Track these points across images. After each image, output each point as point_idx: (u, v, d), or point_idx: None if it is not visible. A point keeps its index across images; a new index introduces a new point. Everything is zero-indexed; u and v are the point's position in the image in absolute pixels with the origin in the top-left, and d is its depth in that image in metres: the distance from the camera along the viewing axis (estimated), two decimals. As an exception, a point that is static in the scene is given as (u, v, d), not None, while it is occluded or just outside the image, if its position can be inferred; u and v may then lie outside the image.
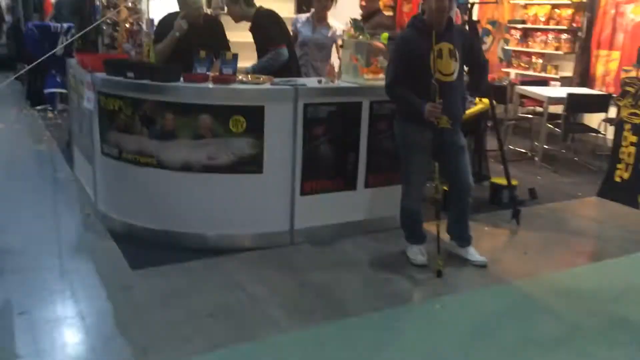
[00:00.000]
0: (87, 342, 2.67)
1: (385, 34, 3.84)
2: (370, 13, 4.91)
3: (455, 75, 3.31)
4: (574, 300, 3.26)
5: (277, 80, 3.77)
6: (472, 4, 4.31)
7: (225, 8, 4.85)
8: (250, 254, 3.63)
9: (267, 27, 4.31)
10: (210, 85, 3.55)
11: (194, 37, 4.22)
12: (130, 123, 3.59)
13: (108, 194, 3.93)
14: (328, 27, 4.86)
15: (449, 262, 3.59)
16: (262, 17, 4.40)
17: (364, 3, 4.93)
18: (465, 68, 3.50)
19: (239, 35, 4.86)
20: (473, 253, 3.67)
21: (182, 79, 3.60)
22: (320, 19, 4.87)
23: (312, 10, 4.95)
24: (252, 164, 3.58)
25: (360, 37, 3.90)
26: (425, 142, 3.38)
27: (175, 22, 4.23)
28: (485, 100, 4.45)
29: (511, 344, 2.79)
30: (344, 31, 4.40)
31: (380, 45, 3.82)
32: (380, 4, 9.03)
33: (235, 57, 3.76)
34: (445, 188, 3.83)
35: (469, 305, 3.18)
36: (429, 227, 3.70)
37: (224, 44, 4.45)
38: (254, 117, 3.51)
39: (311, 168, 3.73)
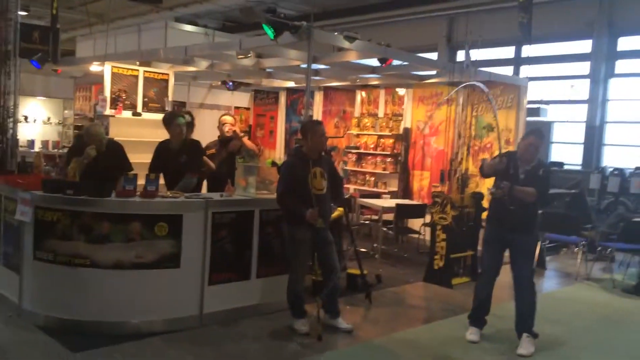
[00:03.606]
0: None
1: (270, 160, 5.16)
2: (227, 139, 6.14)
3: (325, 190, 4.68)
4: (415, 349, 4.59)
5: (187, 194, 4.83)
6: (327, 138, 5.85)
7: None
8: (171, 335, 4.44)
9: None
10: (138, 199, 4.50)
11: (100, 160, 5.20)
12: (68, 231, 4.34)
13: (38, 294, 4.50)
14: None
15: (326, 330, 4.72)
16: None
17: (228, 131, 6.14)
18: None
19: (139, 157, 5.87)
20: (342, 322, 4.87)
21: (113, 194, 4.50)
22: None
23: None
24: (171, 260, 4.50)
25: (249, 163, 5.17)
26: (306, 239, 4.62)
27: (85, 150, 5.18)
28: (341, 209, 5.90)
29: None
30: None
31: (266, 169, 5.12)
32: (237, 128, 10.60)
33: (135, 176, 4.71)
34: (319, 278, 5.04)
35: (346, 358, 4.33)
36: (309, 307, 4.85)
37: (126, 164, 5.44)
38: (175, 224, 4.50)
39: (217, 263, 4.75)
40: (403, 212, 7.86)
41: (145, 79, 8.75)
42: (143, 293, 4.45)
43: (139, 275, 4.41)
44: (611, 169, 11.06)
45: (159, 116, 8.92)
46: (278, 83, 10.40)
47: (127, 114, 8.45)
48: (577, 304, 6.25)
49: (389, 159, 9.56)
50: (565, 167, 11.94)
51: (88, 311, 4.38)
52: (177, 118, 5.49)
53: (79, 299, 4.39)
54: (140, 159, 5.73)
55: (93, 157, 5.21)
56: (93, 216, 4.35)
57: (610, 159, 12.29)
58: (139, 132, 8.21)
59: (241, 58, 7.33)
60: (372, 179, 9.80)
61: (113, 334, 4.32)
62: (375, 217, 8.41)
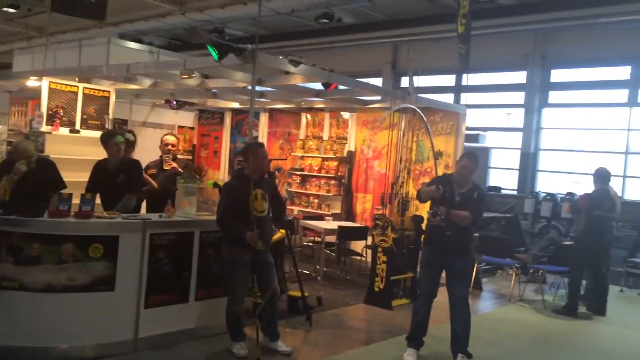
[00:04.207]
0: None
1: (211, 181, 5.12)
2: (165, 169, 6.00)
3: (266, 212, 4.68)
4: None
5: (124, 215, 4.72)
6: (270, 160, 5.88)
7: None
8: (103, 360, 4.30)
9: None
10: (72, 219, 4.36)
11: (31, 178, 5.02)
12: (-5, 252, 4.16)
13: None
14: None
15: (265, 353, 4.68)
16: None
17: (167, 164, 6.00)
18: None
19: (76, 175, 5.70)
20: (281, 345, 4.84)
21: (46, 214, 4.34)
22: None
23: None
24: (105, 283, 4.37)
25: (190, 184, 5.11)
26: (245, 261, 4.59)
27: (15, 166, 4.99)
28: (282, 231, 5.90)
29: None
30: None
31: (208, 190, 5.07)
32: (180, 148, 10.49)
33: (70, 195, 4.56)
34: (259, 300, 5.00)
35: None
36: (248, 329, 4.80)
37: (59, 182, 5.26)
38: (110, 245, 4.38)
39: (154, 285, 4.64)
40: (345, 235, 7.94)
41: (85, 95, 8.51)
42: (74, 317, 4.29)
43: (70, 299, 4.26)
44: (544, 194, 11.57)
45: (99, 134, 8.72)
46: (223, 103, 10.36)
47: (64, 130, 8.18)
48: (510, 325, 6.46)
49: (332, 182, 9.64)
50: (502, 191, 12.40)
51: (15, 336, 4.18)
52: (115, 136, 5.37)
53: (5, 323, 4.19)
54: (78, 177, 5.56)
55: (23, 172, 5.01)
56: (23, 237, 4.18)
57: (544, 184, 12.86)
58: (76, 150, 7.96)
59: (185, 78, 7.28)
60: (316, 201, 9.84)
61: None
62: (319, 239, 8.46)
